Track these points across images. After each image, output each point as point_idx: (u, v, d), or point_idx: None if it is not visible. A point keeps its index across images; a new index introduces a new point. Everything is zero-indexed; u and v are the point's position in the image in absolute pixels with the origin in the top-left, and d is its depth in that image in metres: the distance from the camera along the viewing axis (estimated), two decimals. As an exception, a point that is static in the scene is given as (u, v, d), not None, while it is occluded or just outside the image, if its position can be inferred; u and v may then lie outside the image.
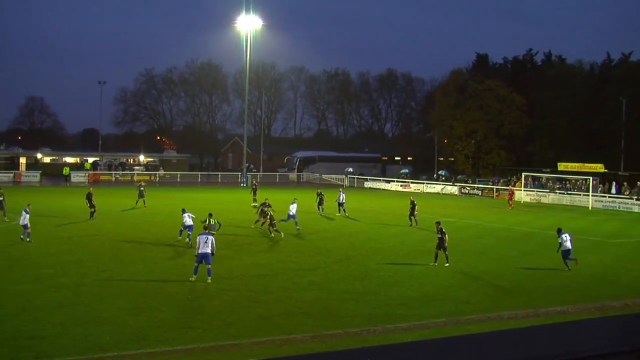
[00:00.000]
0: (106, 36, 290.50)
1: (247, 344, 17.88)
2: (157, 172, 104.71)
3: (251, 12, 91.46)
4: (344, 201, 51.74)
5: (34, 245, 33.19)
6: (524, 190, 77.95)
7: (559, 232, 30.79)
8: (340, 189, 54.00)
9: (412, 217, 45.76)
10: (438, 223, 31.29)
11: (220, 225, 34.95)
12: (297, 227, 41.04)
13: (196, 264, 25.23)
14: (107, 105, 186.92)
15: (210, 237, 25.59)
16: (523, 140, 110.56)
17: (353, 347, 17.88)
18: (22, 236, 34.36)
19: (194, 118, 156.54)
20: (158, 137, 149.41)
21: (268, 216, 39.51)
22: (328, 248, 34.92)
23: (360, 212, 52.57)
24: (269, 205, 40.71)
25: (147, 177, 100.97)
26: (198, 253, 25.24)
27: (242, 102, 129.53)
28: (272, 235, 37.98)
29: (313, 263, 30.43)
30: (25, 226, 34.50)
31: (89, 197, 45.48)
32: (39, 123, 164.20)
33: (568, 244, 30.04)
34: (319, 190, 54.29)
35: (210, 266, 25.20)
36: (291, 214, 41.96)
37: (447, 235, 30.44)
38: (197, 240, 25.68)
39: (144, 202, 53.73)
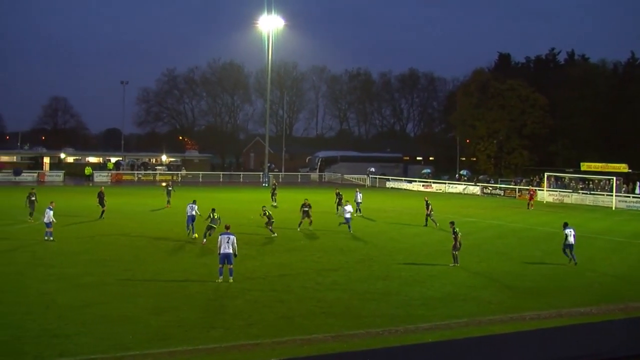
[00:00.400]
0: (129, 37, 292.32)
1: (269, 344, 17.91)
2: (179, 172, 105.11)
3: (273, 12, 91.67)
4: (361, 201, 51.56)
5: (57, 245, 33.42)
6: (547, 191, 77.54)
7: (565, 226, 31.77)
8: (357, 189, 53.82)
9: (429, 218, 45.68)
10: (452, 223, 31.28)
11: (220, 220, 35.05)
12: (350, 230, 40.99)
13: (220, 265, 25.22)
14: (129, 106, 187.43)
15: (232, 237, 25.51)
16: (545, 140, 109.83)
17: (374, 347, 17.92)
18: (45, 237, 34.50)
19: (216, 118, 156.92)
20: (180, 137, 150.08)
21: (310, 216, 40.85)
22: (350, 248, 34.91)
23: (382, 212, 52.52)
24: (309, 206, 41.68)
25: (170, 177, 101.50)
26: (220, 253, 25.23)
27: (263, 102, 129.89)
28: (275, 234, 38.19)
29: (335, 263, 30.43)
30: (49, 224, 34.72)
31: (100, 196, 45.70)
32: (63, 123, 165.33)
33: (571, 239, 30.98)
34: (337, 190, 54.24)
35: (232, 266, 25.23)
36: (347, 216, 41.61)
37: (459, 236, 30.26)
38: (219, 240, 25.60)
39: (169, 201, 53.88)
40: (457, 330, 19.56)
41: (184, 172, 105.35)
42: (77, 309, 20.88)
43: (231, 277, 25.10)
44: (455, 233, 30.27)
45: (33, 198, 42.41)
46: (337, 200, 51.73)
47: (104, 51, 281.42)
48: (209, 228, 34.98)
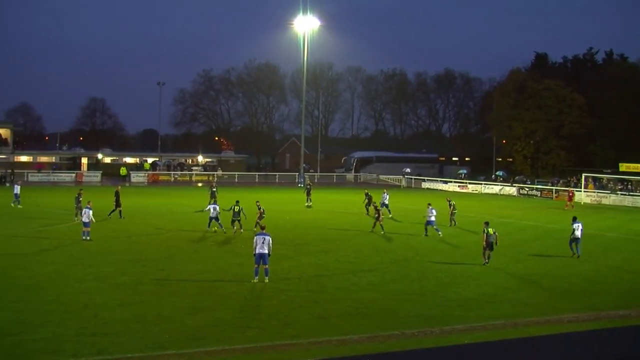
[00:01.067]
0: (165, 38, 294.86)
1: (304, 344, 17.94)
2: (215, 173, 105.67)
3: (308, 13, 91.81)
4: (387, 202, 50.96)
5: (95, 244, 33.76)
6: (584, 192, 76.75)
7: (574, 220, 33.35)
8: (385, 190, 53.54)
9: (451, 218, 45.78)
10: (486, 224, 31.09)
11: (243, 212, 38.06)
12: (439, 233, 39.75)
13: (256, 265, 25.21)
14: (166, 106, 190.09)
15: (268, 238, 25.43)
16: (583, 140, 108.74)
17: (410, 348, 17.83)
18: (83, 237, 34.90)
19: (252, 119, 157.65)
20: (216, 138, 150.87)
21: (382, 215, 41.52)
22: (385, 248, 34.84)
23: (417, 213, 52.22)
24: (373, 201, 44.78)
25: (205, 178, 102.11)
26: (256, 253, 25.19)
27: (299, 102, 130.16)
28: (256, 229, 38.29)
29: (370, 263, 30.37)
30: (87, 224, 35.07)
31: (117, 194, 45.77)
32: (101, 124, 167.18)
33: (578, 233, 32.71)
34: (366, 191, 54.15)
35: (267, 266, 25.25)
36: (432, 219, 40.34)
37: (493, 237, 30.25)
38: (255, 240, 25.50)
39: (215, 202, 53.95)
40: (493, 332, 19.43)
41: (219, 172, 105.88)
42: (114, 308, 21.09)
43: (267, 277, 25.13)
44: (485, 233, 30.29)
45: (81, 199, 42.51)
46: (367, 200, 51.60)
47: (141, 52, 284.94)
48: (233, 221, 38.24)
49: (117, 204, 45.36)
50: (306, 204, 59.27)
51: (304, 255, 32.13)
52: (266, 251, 25.16)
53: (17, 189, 53.52)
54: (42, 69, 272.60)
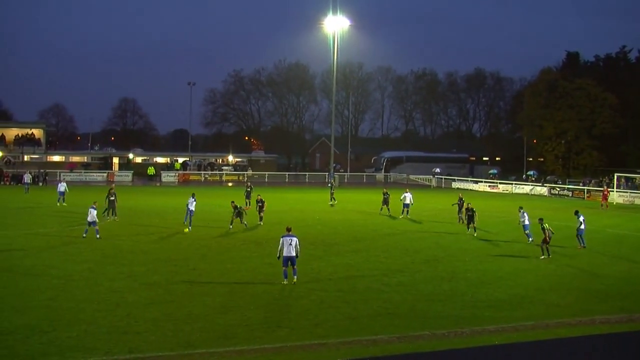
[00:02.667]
0: (196, 38, 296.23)
1: (334, 344, 17.94)
2: (245, 172, 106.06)
3: (338, 13, 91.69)
4: (408, 202, 50.28)
5: (126, 243, 34.06)
6: (617, 192, 76.03)
7: (576, 213, 37.03)
8: (407, 190, 53.33)
9: (460, 215, 46.08)
10: (541, 220, 32.69)
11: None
12: (530, 240, 37.34)
13: (284, 268, 25.13)
14: (196, 106, 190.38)
15: (295, 239, 25.15)
16: (616, 140, 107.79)
17: (440, 349, 17.79)
18: (84, 234, 35.34)
19: (282, 118, 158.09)
20: (246, 138, 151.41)
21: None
22: (415, 249, 34.75)
23: (447, 213, 52.06)
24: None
25: (236, 177, 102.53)
26: (283, 256, 25.03)
27: (329, 102, 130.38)
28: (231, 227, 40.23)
29: (401, 264, 30.32)
30: (93, 223, 35.32)
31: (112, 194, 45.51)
32: (132, 124, 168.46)
33: (582, 226, 35.77)
34: (385, 190, 54.18)
35: (296, 267, 25.20)
36: (526, 223, 38.29)
37: (547, 231, 32.00)
38: (281, 242, 25.17)
39: (248, 202, 54.25)
40: (523, 333, 19.31)
41: (250, 172, 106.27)
42: (145, 306, 21.25)
43: (295, 277, 25.08)
44: (543, 229, 32.29)
45: (112, 198, 42.77)
46: (384, 199, 51.74)
47: (171, 52, 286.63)
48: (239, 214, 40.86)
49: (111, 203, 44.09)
50: (330, 202, 59.51)
51: (334, 255, 32.15)
52: (294, 254, 24.88)
53: (62, 186, 54.45)
54: (74, 70, 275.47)
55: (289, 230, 25.87)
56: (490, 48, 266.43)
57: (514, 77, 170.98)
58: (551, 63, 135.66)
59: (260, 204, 43.56)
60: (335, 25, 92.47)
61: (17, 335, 17.93)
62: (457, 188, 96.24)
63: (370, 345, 17.91)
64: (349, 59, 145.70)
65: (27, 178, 71.83)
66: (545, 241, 32.16)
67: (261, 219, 42.72)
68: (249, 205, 53.23)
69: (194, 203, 41.40)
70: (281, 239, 25.30)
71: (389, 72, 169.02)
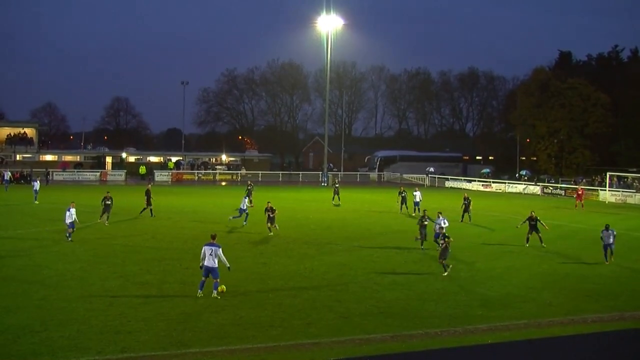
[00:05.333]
0: (189, 38, 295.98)
1: (327, 343, 17.95)
2: (239, 172, 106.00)
3: (332, 12, 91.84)
4: (418, 200, 50.91)
5: (119, 243, 34.00)
6: (609, 191, 76.19)
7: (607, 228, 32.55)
8: (416, 188, 53.56)
9: (466, 214, 46.07)
10: (532, 212, 33.30)
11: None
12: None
13: (203, 278, 22.94)
14: (190, 106, 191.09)
15: (216, 249, 22.91)
16: (608, 139, 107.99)
17: (433, 347, 17.78)
18: (67, 235, 34.43)
19: (275, 118, 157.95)
20: (240, 137, 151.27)
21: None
22: (408, 247, 34.72)
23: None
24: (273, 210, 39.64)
25: (229, 177, 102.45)
26: (205, 265, 22.87)
27: (322, 101, 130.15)
28: (272, 232, 38.47)
29: (393, 263, 30.35)
30: (70, 224, 34.47)
31: (147, 193, 46.05)
32: (125, 123, 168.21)
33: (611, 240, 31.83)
34: (402, 189, 54.31)
35: (217, 280, 22.80)
36: (444, 225, 38.14)
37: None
38: (202, 251, 23.14)
39: (251, 201, 54.14)
40: (516, 332, 19.33)
41: (243, 171, 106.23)
42: (138, 306, 21.22)
43: (215, 291, 22.65)
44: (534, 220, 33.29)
45: (109, 202, 41.95)
46: (400, 199, 51.92)
47: (164, 52, 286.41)
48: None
49: (148, 203, 45.77)
50: (333, 202, 59.46)
51: (326, 254, 32.14)
52: (216, 265, 22.73)
53: (37, 185, 54.56)
54: (67, 69, 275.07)
55: (213, 237, 23.59)
56: (483, 47, 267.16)
57: (507, 77, 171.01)
58: (544, 62, 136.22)
59: (271, 213, 38.91)
60: (329, 25, 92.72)
61: (8, 335, 17.89)
62: (451, 187, 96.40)
63: (363, 344, 17.92)
64: (343, 58, 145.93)
65: (7, 176, 71.76)
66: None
67: (271, 228, 38.84)
68: (252, 204, 53.19)
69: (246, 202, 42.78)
70: (203, 248, 23.31)
71: (383, 71, 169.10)
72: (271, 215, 38.74)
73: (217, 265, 22.71)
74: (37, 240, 34.56)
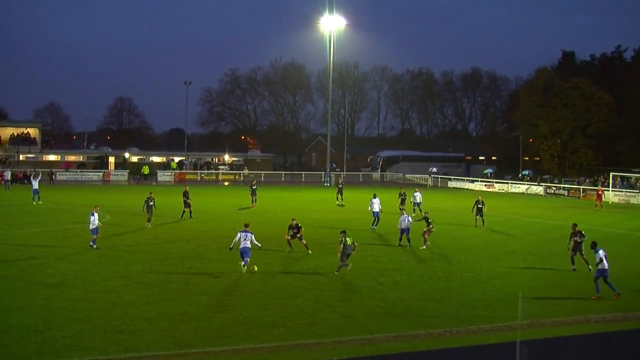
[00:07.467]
0: (191, 38, 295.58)
1: (330, 343, 17.95)
2: (241, 172, 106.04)
3: (334, 12, 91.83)
4: (419, 201, 50.78)
5: (122, 243, 34.02)
6: (612, 191, 76.09)
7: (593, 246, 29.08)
8: (417, 189, 53.47)
9: (479, 217, 45.18)
10: (575, 225, 30.77)
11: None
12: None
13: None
14: (192, 106, 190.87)
15: (249, 234, 27.31)
16: (611, 139, 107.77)
17: (436, 348, 17.77)
18: (91, 243, 32.26)
19: (278, 118, 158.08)
20: (242, 137, 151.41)
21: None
22: (410, 248, 34.71)
23: (443, 212, 52.14)
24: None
25: (232, 177, 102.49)
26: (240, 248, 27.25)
27: (325, 101, 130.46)
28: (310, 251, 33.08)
29: (396, 263, 30.35)
30: (94, 231, 32.23)
31: (185, 194, 45.42)
32: (127, 123, 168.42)
33: (604, 264, 26.87)
34: (402, 190, 54.20)
35: (247, 259, 27.00)
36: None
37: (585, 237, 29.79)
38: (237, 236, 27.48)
39: (254, 200, 54.08)
40: (519, 332, 19.32)
41: (246, 171, 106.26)
42: (141, 306, 21.24)
43: (245, 267, 26.94)
44: (580, 235, 29.94)
45: (151, 203, 41.37)
46: (400, 200, 51.74)
47: (167, 52, 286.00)
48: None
49: (186, 204, 45.03)
50: (337, 202, 59.46)
51: (330, 254, 32.08)
52: (248, 246, 27.08)
53: (36, 184, 54.34)
54: (70, 69, 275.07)
55: (246, 226, 28.31)
56: (486, 47, 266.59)
57: (510, 77, 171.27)
58: (547, 62, 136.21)
59: (296, 231, 32.71)
60: (332, 25, 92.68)
61: (11, 334, 17.91)
62: (454, 187, 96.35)
63: (366, 344, 17.92)
64: (345, 58, 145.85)
65: (8, 175, 71.87)
66: (575, 249, 29.90)
67: (306, 246, 32.68)
68: (255, 203, 53.28)
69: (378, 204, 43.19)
70: (238, 234, 27.69)
71: (385, 71, 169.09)
72: (298, 235, 32.46)
73: (249, 246, 26.98)
74: (40, 240, 34.60)
